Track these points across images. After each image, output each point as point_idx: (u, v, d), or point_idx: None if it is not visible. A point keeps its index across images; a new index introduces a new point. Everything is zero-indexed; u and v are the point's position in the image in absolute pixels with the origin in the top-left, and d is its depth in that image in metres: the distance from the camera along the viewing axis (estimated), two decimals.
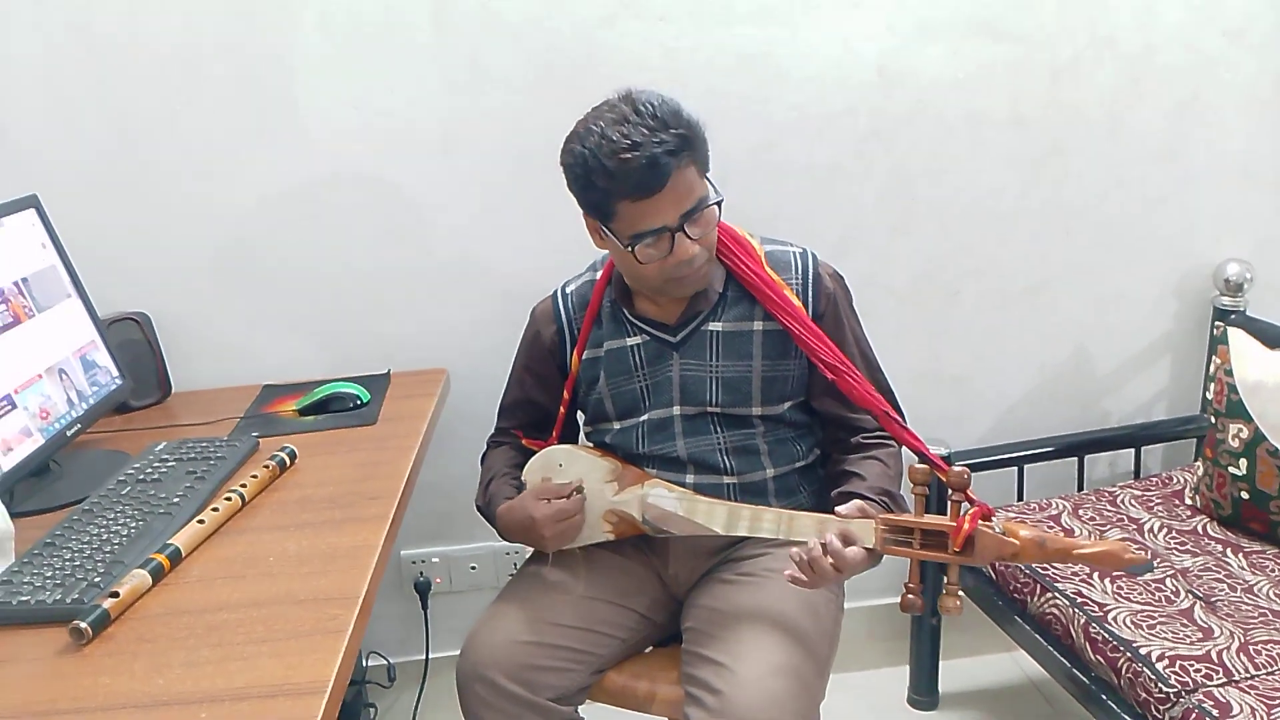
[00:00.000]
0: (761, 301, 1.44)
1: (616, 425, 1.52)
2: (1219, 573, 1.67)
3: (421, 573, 2.01)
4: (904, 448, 1.49)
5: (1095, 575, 1.68)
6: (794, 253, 1.49)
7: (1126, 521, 1.85)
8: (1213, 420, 1.81)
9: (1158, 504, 1.90)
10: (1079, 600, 1.62)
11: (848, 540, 1.26)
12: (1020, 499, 1.99)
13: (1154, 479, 1.99)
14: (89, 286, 1.62)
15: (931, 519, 1.24)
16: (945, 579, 1.24)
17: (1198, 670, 1.43)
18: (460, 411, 1.86)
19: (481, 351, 1.86)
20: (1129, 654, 1.49)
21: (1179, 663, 1.45)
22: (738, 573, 1.46)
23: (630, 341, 1.49)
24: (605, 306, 1.51)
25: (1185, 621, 1.55)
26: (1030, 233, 1.99)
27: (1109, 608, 1.59)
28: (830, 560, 1.24)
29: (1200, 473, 1.85)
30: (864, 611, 2.13)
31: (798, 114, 1.86)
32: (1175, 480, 1.97)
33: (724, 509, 1.39)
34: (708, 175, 1.36)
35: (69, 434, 1.45)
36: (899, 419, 1.44)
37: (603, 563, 1.51)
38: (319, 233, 1.84)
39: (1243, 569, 1.68)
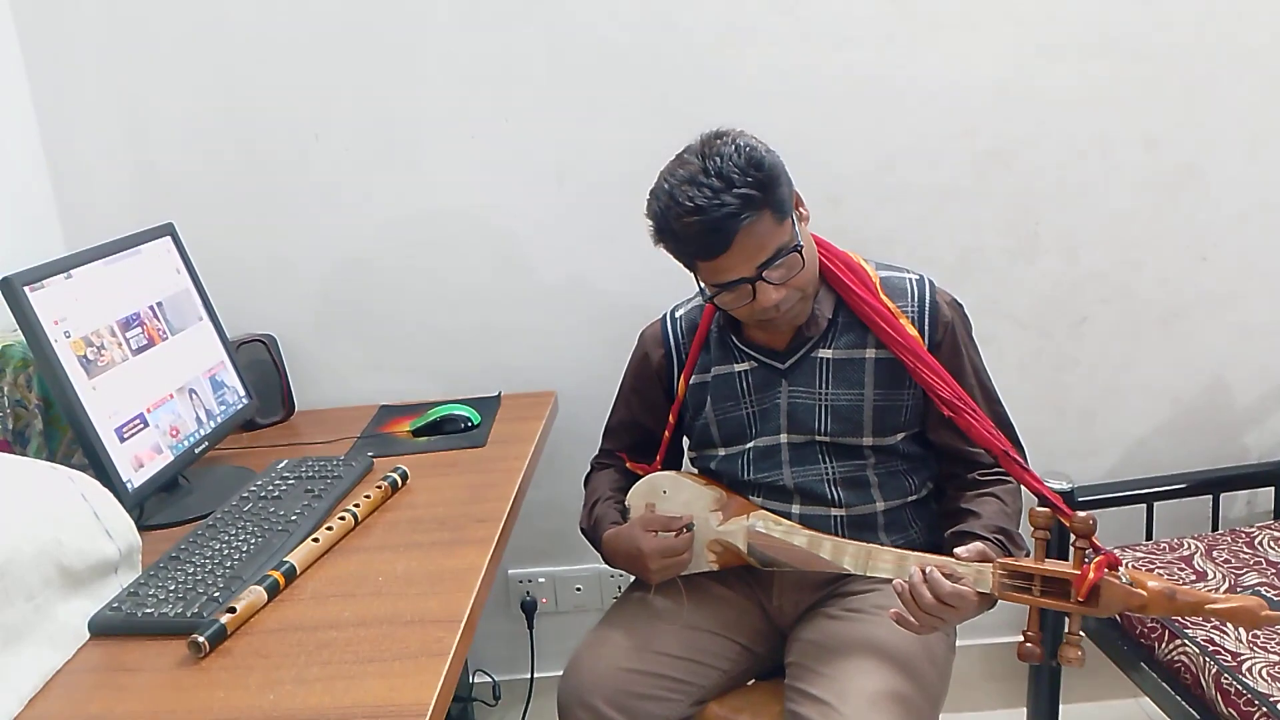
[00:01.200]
0: (874, 330, 1.41)
1: (722, 451, 1.51)
2: None
3: (528, 592, 2.03)
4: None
5: (1228, 621, 1.58)
6: (910, 279, 1.45)
7: (1265, 565, 1.73)
8: None
9: None
10: (1210, 649, 1.53)
11: (961, 582, 1.22)
12: (1149, 538, 1.88)
13: None
14: (220, 310, 1.71)
15: (1054, 566, 1.19)
16: (1066, 628, 1.19)
17: None
18: (569, 432, 1.88)
19: (590, 374, 1.87)
20: (1265, 708, 1.39)
21: None
22: (844, 608, 1.43)
23: (738, 368, 1.48)
24: (713, 332, 1.50)
25: None
26: (1164, 259, 1.89)
27: (1243, 658, 1.49)
28: (932, 597, 1.20)
29: None
30: (980, 650, 2.06)
31: (915, 136, 1.82)
32: None
33: (830, 543, 1.36)
34: (793, 216, 1.34)
35: (197, 451, 1.52)
36: (1019, 459, 1.38)
37: (706, 592, 1.50)
38: (435, 259, 1.89)
39: None
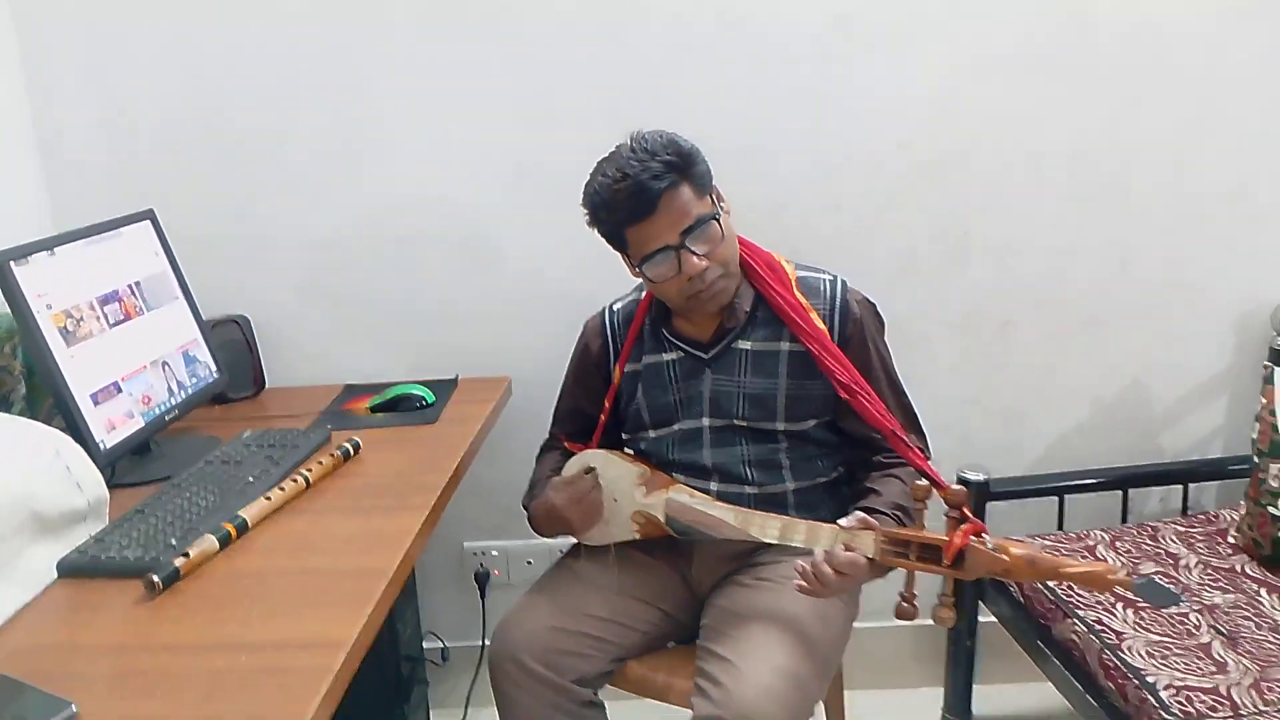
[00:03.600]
0: (787, 323, 1.54)
1: (652, 434, 1.63)
2: (1248, 610, 1.67)
3: (482, 564, 2.16)
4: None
5: (1119, 604, 1.70)
6: (825, 280, 1.58)
7: (1164, 556, 1.86)
8: (1256, 460, 1.81)
9: (1199, 541, 1.89)
10: (1098, 627, 1.65)
11: (851, 550, 1.34)
12: (1060, 528, 2.01)
13: (1200, 516, 1.99)
14: (199, 290, 1.84)
15: (927, 534, 1.31)
16: (940, 590, 1.32)
17: (1203, 702, 1.45)
18: (524, 415, 1.99)
19: (545, 362, 1.97)
20: (1137, 681, 1.51)
21: (1185, 693, 1.47)
22: (755, 577, 1.55)
23: (667, 357, 1.61)
24: (646, 325, 1.63)
25: (1201, 655, 1.56)
26: (1088, 268, 2.02)
27: (1126, 636, 1.62)
28: (831, 568, 1.33)
29: (1243, 511, 1.85)
30: (910, 630, 2.18)
31: (854, 147, 1.94)
32: (1222, 518, 1.96)
33: (737, 513, 1.49)
34: (712, 196, 1.48)
35: (167, 419, 1.65)
36: (906, 439, 1.51)
37: (632, 562, 1.63)
38: (401, 249, 2.02)
39: (1274, 609, 1.68)
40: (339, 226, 2.01)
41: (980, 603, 1.97)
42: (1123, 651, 1.58)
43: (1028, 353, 2.06)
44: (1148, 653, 1.57)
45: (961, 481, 1.91)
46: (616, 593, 1.59)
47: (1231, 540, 1.88)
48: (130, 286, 1.65)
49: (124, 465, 1.60)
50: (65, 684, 1.04)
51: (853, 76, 1.92)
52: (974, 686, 2.05)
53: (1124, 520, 2.04)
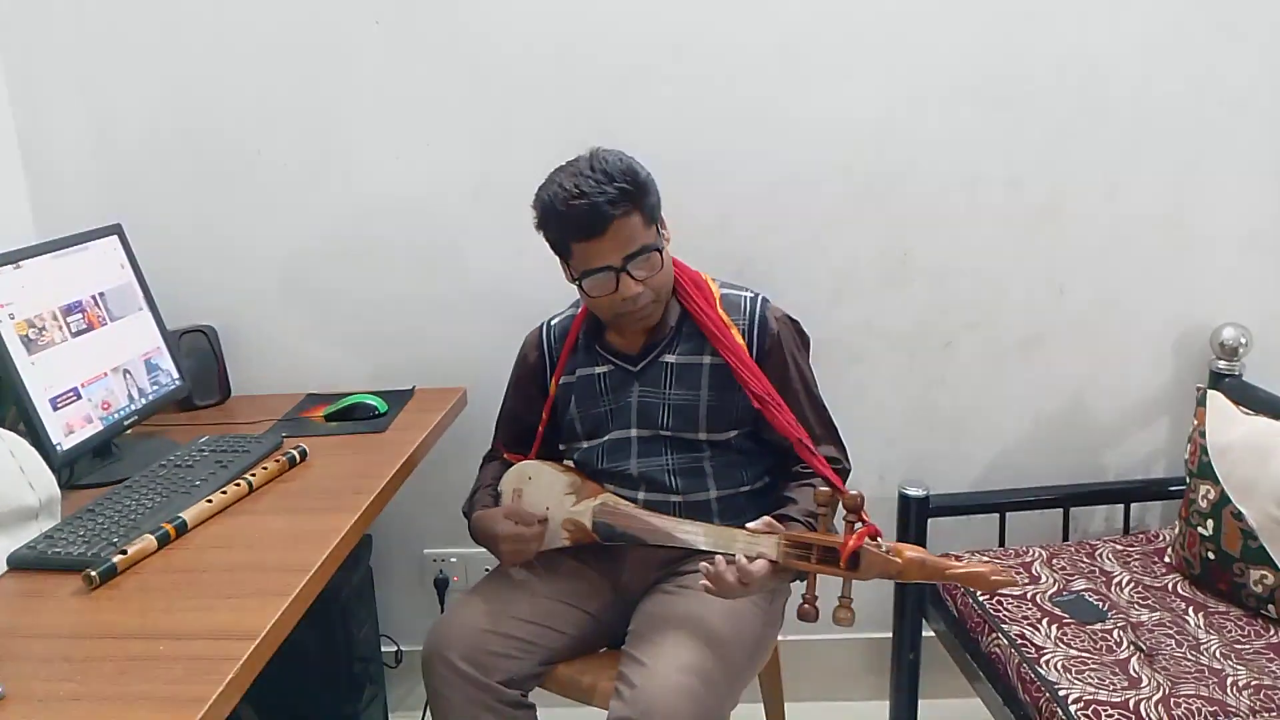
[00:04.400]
0: (709, 338, 1.60)
1: (585, 444, 1.70)
2: (1171, 629, 1.71)
3: (441, 570, 2.23)
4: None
5: (1044, 620, 1.74)
6: (746, 297, 1.65)
7: (1097, 574, 1.89)
8: (1187, 480, 1.85)
9: (1135, 560, 1.93)
10: (1019, 641, 1.69)
11: (756, 553, 1.40)
12: (1001, 545, 2.05)
13: (1140, 535, 2.03)
14: (170, 300, 1.94)
15: (826, 536, 1.37)
16: (840, 593, 1.37)
17: (1110, 716, 1.48)
18: (480, 425, 2.04)
19: (501, 372, 2.01)
20: (1049, 694, 1.55)
21: (1094, 707, 1.50)
22: (678, 584, 1.61)
23: (598, 370, 1.68)
24: (580, 339, 1.70)
25: (1117, 670, 1.60)
26: (1025, 290, 2.07)
27: (1045, 652, 1.66)
28: (735, 572, 1.39)
29: (1176, 531, 1.89)
30: (858, 643, 2.23)
31: (795, 168, 2.01)
32: (1161, 538, 2.00)
33: (658, 519, 1.56)
34: (658, 226, 1.55)
35: (126, 424, 1.73)
36: (812, 448, 1.57)
37: (564, 568, 1.69)
38: (365, 263, 2.10)
39: (1199, 627, 1.71)
40: (304, 240, 2.09)
41: (924, 619, 2.02)
42: (1040, 666, 1.62)
43: (969, 370, 2.12)
44: (1064, 667, 1.61)
45: (902, 497, 1.97)
46: (546, 597, 1.66)
47: (1167, 560, 1.92)
48: (94, 297, 1.74)
49: (83, 466, 1.68)
50: None
51: (796, 101, 1.98)
52: (919, 701, 2.08)
53: (1065, 538, 2.08)
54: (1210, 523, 1.78)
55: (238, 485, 1.56)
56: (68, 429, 1.61)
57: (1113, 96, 1.96)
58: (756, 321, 1.62)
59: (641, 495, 1.64)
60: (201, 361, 2.03)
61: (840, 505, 1.38)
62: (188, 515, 1.47)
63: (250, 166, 2.06)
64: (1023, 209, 2.02)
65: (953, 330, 2.10)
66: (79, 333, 1.68)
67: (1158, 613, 1.76)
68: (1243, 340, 1.98)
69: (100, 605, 1.28)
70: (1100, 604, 1.79)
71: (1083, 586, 1.85)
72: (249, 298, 2.12)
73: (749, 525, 1.44)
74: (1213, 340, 2.01)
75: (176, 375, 1.90)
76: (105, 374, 1.72)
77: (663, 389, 1.63)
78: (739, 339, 1.60)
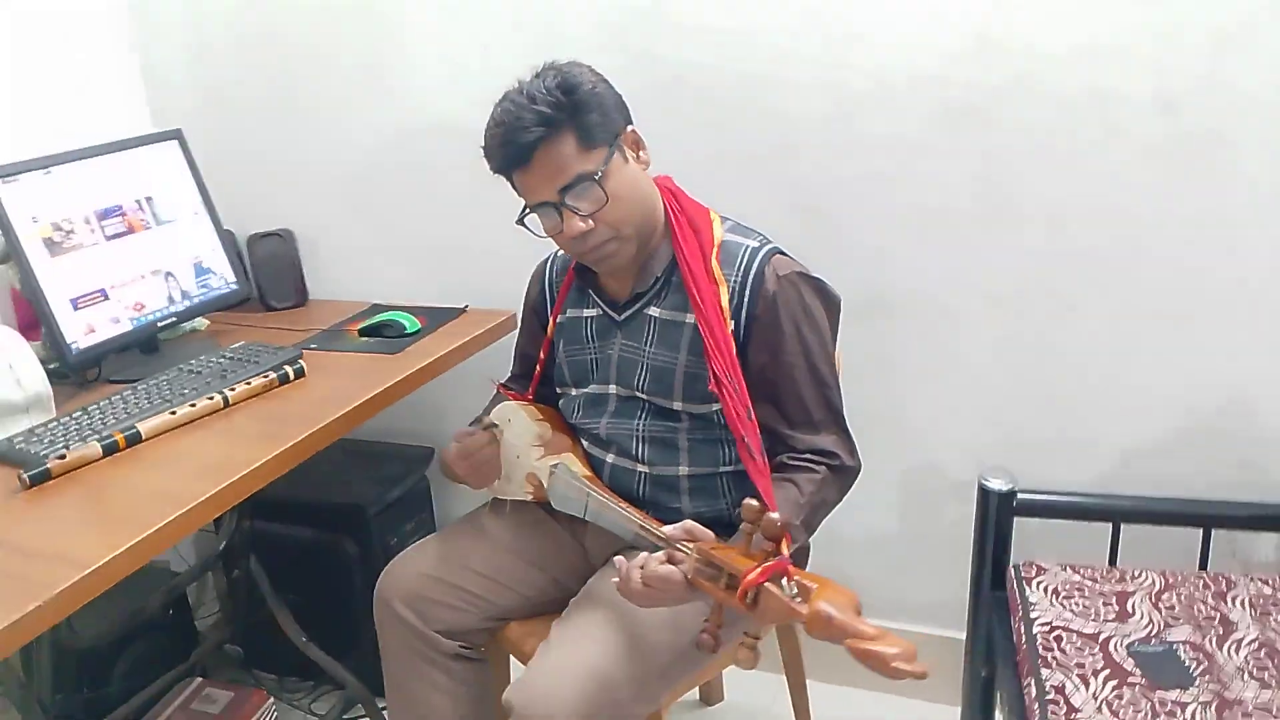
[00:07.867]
0: (687, 293, 1.37)
1: (573, 392, 1.55)
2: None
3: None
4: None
5: (1104, 673, 1.37)
6: (746, 247, 1.39)
7: (1215, 623, 1.46)
8: None
9: (1278, 612, 1.47)
10: (1049, 696, 1.34)
11: (670, 562, 1.20)
12: (1112, 563, 1.64)
13: None
14: (246, 206, 1.98)
15: (736, 563, 1.12)
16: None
17: None
18: None
19: None
20: None
21: None
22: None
23: (586, 313, 1.51)
24: (575, 277, 1.53)
25: None
26: (1177, 243, 1.60)
27: (1080, 714, 1.31)
28: (639, 576, 1.20)
29: None
30: (936, 641, 1.92)
31: (875, 82, 1.66)
32: None
33: (602, 499, 1.39)
34: (611, 148, 1.32)
35: (160, 325, 1.80)
36: (752, 451, 1.29)
37: (532, 524, 1.58)
38: (427, 175, 2.04)
39: None
40: (370, 147, 2.06)
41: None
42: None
43: (1095, 342, 1.70)
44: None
45: (982, 489, 1.63)
46: (508, 551, 1.55)
47: None
48: (139, 201, 1.80)
49: (118, 362, 1.77)
50: None
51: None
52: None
53: (1203, 565, 1.63)
54: None
55: (210, 400, 1.57)
56: (88, 329, 1.69)
57: None
58: (751, 278, 1.36)
59: (611, 459, 1.48)
60: (279, 265, 2.07)
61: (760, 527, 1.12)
62: (145, 426, 1.50)
63: (316, 71, 2.04)
64: (1177, 138, 1.54)
65: (1075, 290, 1.67)
66: (114, 236, 1.76)
67: (1271, 691, 1.33)
68: None
69: (15, 506, 1.34)
70: (1193, 665, 1.38)
71: (1183, 637, 1.44)
72: (323, 205, 2.13)
73: (666, 529, 1.22)
74: None
75: (233, 279, 1.94)
76: (142, 276, 1.79)
77: (643, 345, 1.43)
78: (726, 300, 1.35)
